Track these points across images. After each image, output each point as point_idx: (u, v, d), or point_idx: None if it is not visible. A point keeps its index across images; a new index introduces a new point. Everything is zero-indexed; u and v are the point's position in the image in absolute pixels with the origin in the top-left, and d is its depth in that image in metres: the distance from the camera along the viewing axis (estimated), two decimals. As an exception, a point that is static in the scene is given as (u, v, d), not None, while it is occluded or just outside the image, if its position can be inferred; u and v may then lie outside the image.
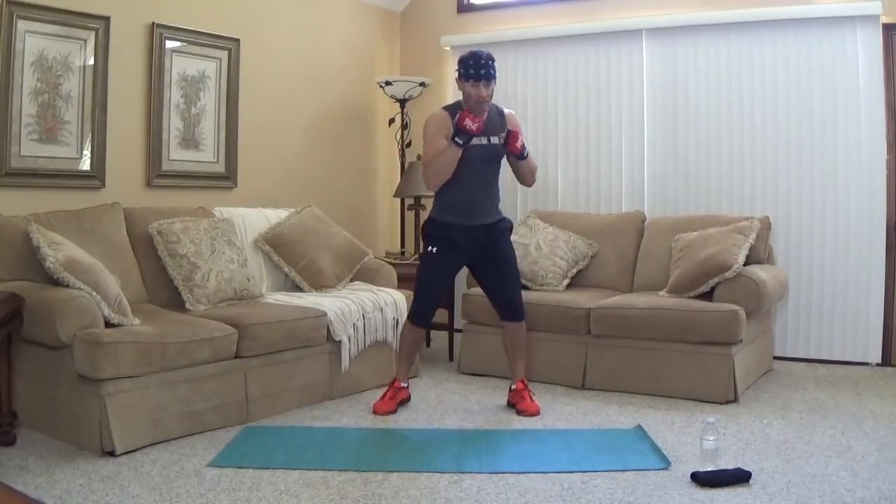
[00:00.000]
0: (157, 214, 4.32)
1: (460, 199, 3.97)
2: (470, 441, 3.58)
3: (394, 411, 4.04)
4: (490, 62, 3.87)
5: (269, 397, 3.94)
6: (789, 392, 4.45)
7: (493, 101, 3.99)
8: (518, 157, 4.00)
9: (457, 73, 3.93)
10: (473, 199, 3.98)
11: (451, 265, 4.12)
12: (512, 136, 3.95)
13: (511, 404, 4.12)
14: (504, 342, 4.21)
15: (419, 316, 4.10)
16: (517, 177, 4.19)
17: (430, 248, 4.04)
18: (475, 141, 3.89)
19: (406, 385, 4.17)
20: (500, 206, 4.13)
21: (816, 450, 3.42)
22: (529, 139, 6.02)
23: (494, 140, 3.97)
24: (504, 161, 4.09)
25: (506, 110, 4.13)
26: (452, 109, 4.01)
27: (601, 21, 5.76)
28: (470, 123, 3.78)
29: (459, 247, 4.01)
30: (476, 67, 3.83)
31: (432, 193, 4.10)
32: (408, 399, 4.17)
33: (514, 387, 4.13)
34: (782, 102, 5.24)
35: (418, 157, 5.72)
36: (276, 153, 5.53)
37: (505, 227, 4.12)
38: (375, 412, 4.01)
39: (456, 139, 3.81)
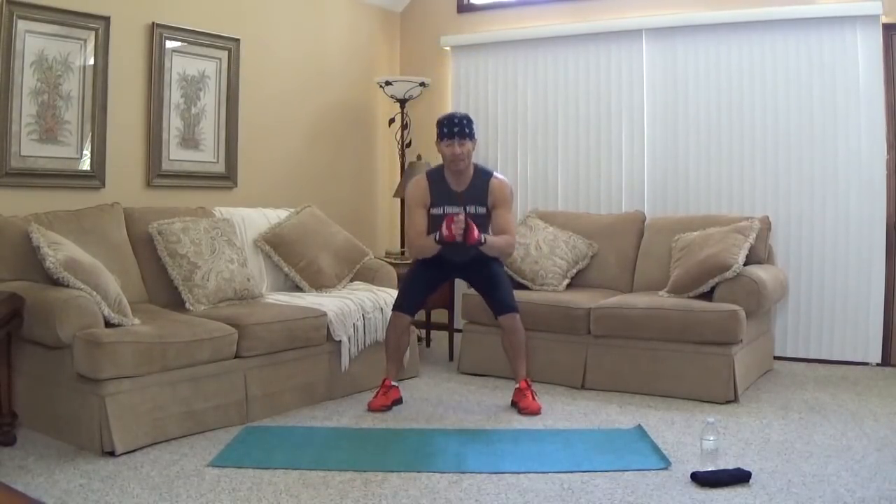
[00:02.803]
0: (157, 214, 4.32)
1: (444, 251, 4.09)
2: (470, 441, 3.58)
3: (388, 407, 4.07)
4: (465, 121, 4.03)
5: (269, 397, 3.94)
6: (789, 392, 4.45)
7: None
8: (475, 246, 3.97)
9: (436, 137, 4.09)
10: (456, 252, 4.08)
11: (438, 272, 4.24)
12: (469, 231, 3.89)
13: (514, 403, 4.13)
14: (503, 342, 4.21)
15: (398, 302, 4.22)
16: None
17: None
18: (450, 210, 4.02)
19: (396, 385, 4.19)
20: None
21: (816, 450, 3.42)
22: (529, 139, 6.05)
23: (471, 209, 4.03)
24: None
25: (495, 177, 4.13)
26: (433, 175, 4.18)
27: (601, 21, 5.76)
28: (446, 232, 3.90)
29: (447, 267, 4.19)
30: (449, 126, 4.00)
31: None
32: (400, 400, 4.17)
33: (518, 385, 4.14)
34: (782, 102, 5.24)
35: (419, 157, 5.74)
36: (276, 153, 5.53)
37: (494, 259, 4.20)
38: (370, 408, 4.06)
39: (437, 239, 3.97)
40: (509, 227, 4.11)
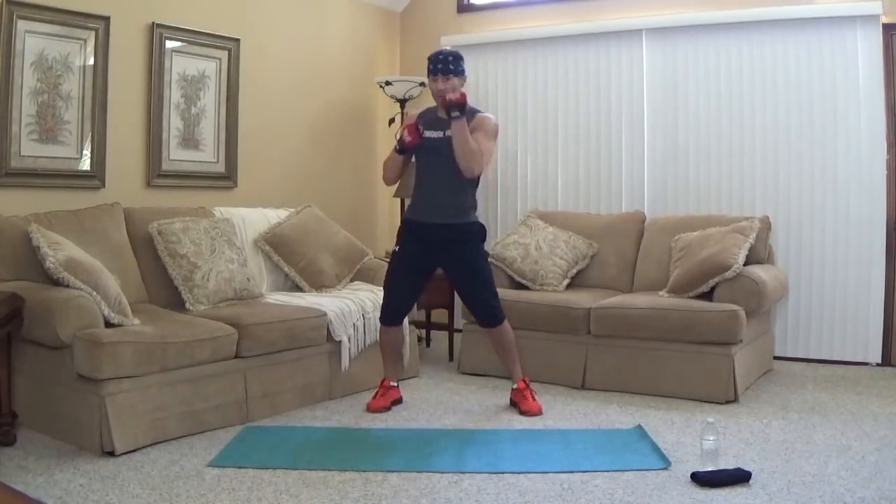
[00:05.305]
0: (157, 214, 4.32)
1: (420, 195, 4.06)
2: (470, 441, 3.58)
3: (387, 408, 4.07)
4: (451, 58, 3.99)
5: (269, 397, 3.94)
6: (789, 392, 4.45)
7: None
8: (447, 110, 3.82)
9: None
10: (431, 194, 4.00)
11: (414, 264, 4.08)
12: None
13: (513, 404, 4.13)
14: (493, 346, 4.22)
15: (384, 314, 4.15)
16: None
17: (395, 246, 4.16)
18: (430, 134, 3.96)
19: (396, 385, 4.19)
20: (477, 209, 4.08)
21: (816, 450, 3.42)
22: (529, 139, 6.05)
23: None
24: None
25: (480, 114, 4.03)
26: (425, 113, 4.12)
27: (601, 21, 5.76)
28: (406, 135, 3.93)
29: (422, 245, 4.03)
30: (434, 62, 4.01)
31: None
32: (400, 400, 4.17)
33: (515, 386, 4.13)
34: (782, 102, 5.24)
35: (418, 157, 5.73)
36: (276, 153, 5.53)
37: (474, 232, 4.05)
38: (369, 410, 4.04)
39: (395, 147, 3.99)
40: (483, 147, 3.87)
